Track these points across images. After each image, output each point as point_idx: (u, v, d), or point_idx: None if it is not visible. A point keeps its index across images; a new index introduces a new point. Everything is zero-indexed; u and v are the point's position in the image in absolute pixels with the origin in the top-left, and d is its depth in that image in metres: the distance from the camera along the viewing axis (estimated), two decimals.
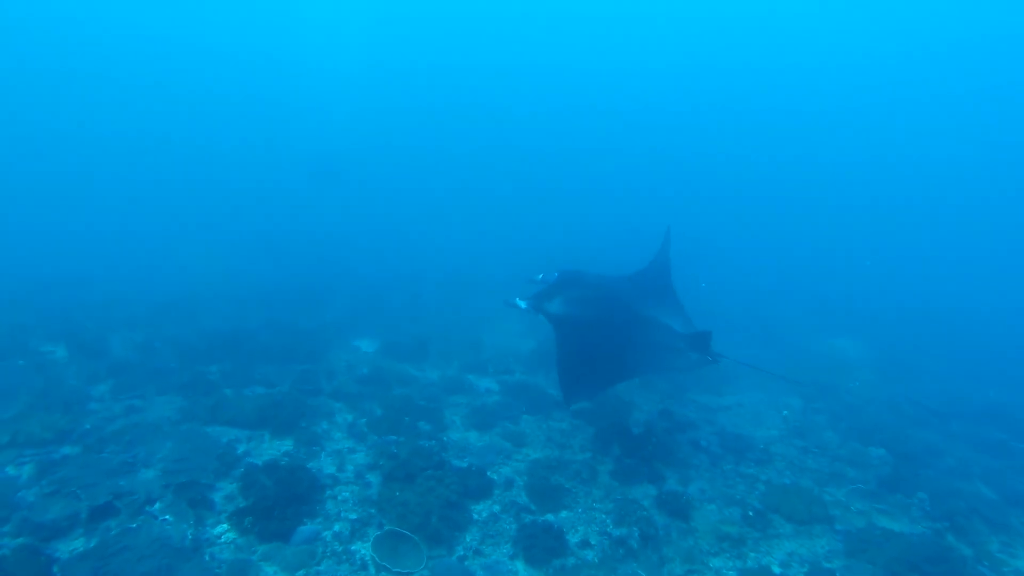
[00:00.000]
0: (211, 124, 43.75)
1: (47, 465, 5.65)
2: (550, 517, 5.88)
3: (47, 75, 42.12)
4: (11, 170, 29.81)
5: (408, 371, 9.67)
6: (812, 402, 10.01)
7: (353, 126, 46.76)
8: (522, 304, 7.21)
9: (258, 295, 13.79)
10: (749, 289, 21.29)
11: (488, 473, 6.52)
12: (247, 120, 45.16)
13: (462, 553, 5.23)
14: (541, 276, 7.81)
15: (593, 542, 5.55)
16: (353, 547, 5.12)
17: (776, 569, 5.47)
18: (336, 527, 5.35)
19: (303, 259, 19.39)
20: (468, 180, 39.04)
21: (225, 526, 5.14)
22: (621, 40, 50.11)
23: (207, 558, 4.73)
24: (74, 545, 4.67)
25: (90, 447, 5.96)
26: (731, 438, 8.20)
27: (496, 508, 5.97)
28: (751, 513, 6.26)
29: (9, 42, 42.21)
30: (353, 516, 5.53)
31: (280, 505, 5.38)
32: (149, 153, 37.13)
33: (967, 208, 39.92)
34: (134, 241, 19.99)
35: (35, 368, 7.95)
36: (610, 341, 6.95)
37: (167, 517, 5.06)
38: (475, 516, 5.79)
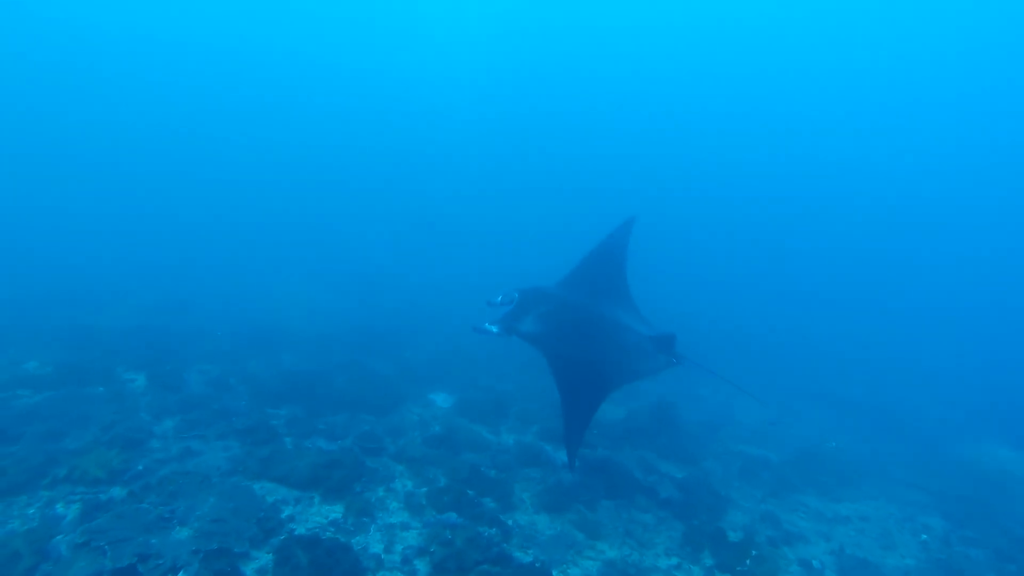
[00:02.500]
0: (309, 160, 46.25)
1: (92, 508, 5.39)
2: None
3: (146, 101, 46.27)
4: (125, 194, 32.40)
5: (482, 434, 8.95)
6: (960, 526, 8.17)
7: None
8: (493, 329, 6.97)
9: (342, 333, 13.68)
10: (868, 363, 18.83)
11: (553, 573, 5.61)
12: (346, 157, 47.45)
13: None
14: (500, 298, 7.39)
15: None
16: None
17: None
18: None
19: (392, 298, 19.42)
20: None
21: None
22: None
23: None
24: None
25: (135, 493, 5.64)
26: (852, 562, 6.77)
27: None
28: None
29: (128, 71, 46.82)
30: None
31: None
32: (251, 182, 39.63)
33: None
34: (234, 269, 20.99)
35: (112, 396, 7.97)
36: (589, 351, 6.90)
37: None
38: None
